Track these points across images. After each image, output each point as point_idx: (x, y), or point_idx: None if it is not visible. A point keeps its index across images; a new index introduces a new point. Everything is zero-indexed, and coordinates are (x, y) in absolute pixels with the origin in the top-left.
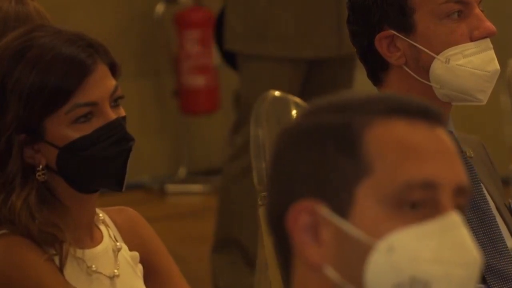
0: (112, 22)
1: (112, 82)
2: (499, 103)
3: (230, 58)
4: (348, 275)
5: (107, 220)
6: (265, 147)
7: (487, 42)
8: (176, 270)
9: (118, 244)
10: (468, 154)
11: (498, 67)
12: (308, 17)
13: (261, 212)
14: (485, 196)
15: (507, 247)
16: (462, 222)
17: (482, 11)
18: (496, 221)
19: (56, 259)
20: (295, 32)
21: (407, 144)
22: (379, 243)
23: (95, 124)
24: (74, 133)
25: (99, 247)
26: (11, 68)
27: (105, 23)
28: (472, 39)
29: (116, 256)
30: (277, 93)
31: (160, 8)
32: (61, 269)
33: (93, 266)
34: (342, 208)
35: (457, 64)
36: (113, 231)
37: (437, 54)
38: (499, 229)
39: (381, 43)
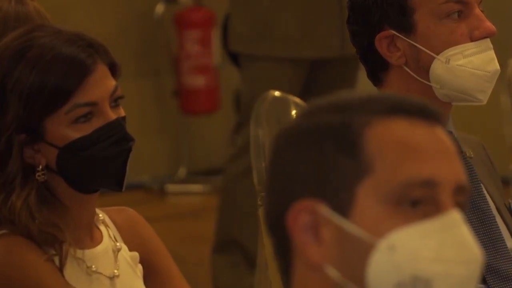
0: (112, 22)
1: (112, 82)
2: (499, 103)
3: (236, 60)
4: (349, 274)
5: (107, 220)
6: (265, 147)
7: (487, 42)
8: (176, 270)
9: (118, 244)
10: (468, 154)
11: (498, 67)
12: (310, 17)
13: (261, 212)
14: (485, 196)
15: (507, 247)
16: (462, 220)
17: (482, 11)
18: (496, 221)
19: (56, 259)
20: (296, 32)
21: (407, 144)
22: (381, 242)
23: (95, 124)
24: (74, 133)
25: (99, 247)
26: (11, 68)
27: (105, 23)
28: (472, 39)
29: (116, 256)
30: (277, 93)
31: (160, 8)
32: (61, 269)
33: (93, 266)
34: (343, 207)
35: (457, 64)
36: (113, 231)
37: (437, 54)
38: (499, 229)
39: (381, 43)
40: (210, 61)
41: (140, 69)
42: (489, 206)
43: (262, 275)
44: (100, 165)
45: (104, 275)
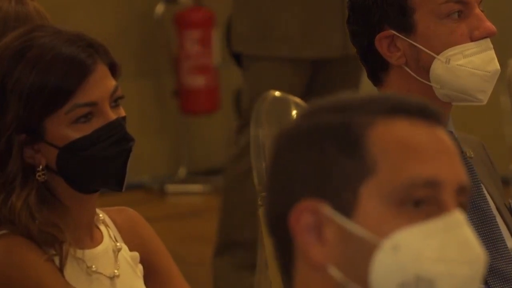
0: (112, 22)
1: (112, 82)
2: (499, 103)
3: (240, 60)
4: (352, 274)
5: (107, 220)
6: (265, 147)
7: (487, 42)
8: (176, 270)
9: (118, 244)
10: (468, 154)
11: (499, 67)
12: (311, 17)
13: (261, 212)
14: (485, 196)
15: (507, 247)
16: (465, 220)
17: (482, 11)
18: (496, 222)
19: (56, 260)
20: (297, 32)
21: (409, 144)
22: (384, 241)
23: (95, 124)
24: (74, 133)
25: (99, 248)
26: (11, 68)
27: (105, 23)
28: (472, 39)
29: (116, 257)
30: (277, 93)
31: (160, 8)
32: (61, 269)
33: (93, 266)
34: (346, 207)
35: (457, 64)
36: (113, 231)
37: (437, 54)
38: (499, 230)
39: (381, 43)
40: (210, 61)
41: (140, 69)
42: (490, 206)
43: (262, 275)
44: (100, 165)
45: (104, 275)
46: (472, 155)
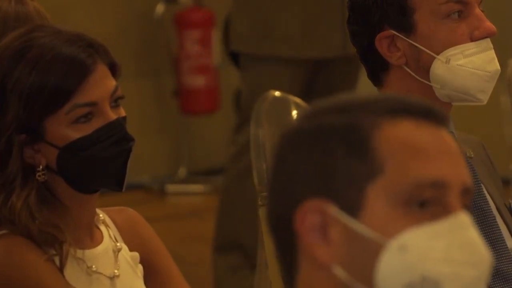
0: (112, 22)
1: (112, 82)
2: (499, 103)
3: (237, 60)
4: (357, 274)
5: (107, 220)
6: (265, 147)
7: (488, 42)
8: (176, 270)
9: (118, 244)
10: (468, 154)
11: (499, 67)
12: (311, 17)
13: (261, 212)
14: (485, 196)
15: (507, 247)
16: (471, 222)
17: (482, 11)
18: (496, 222)
19: (56, 260)
20: (297, 32)
21: (415, 145)
22: (391, 242)
23: (95, 124)
24: (74, 133)
25: (99, 248)
26: (11, 68)
27: (105, 23)
28: (472, 39)
29: (116, 257)
30: (277, 93)
31: (160, 8)
32: (61, 269)
33: (93, 266)
34: (352, 207)
35: (457, 64)
36: (113, 231)
37: (438, 54)
38: (500, 230)
39: (381, 43)
40: (210, 61)
41: (140, 69)
42: (490, 206)
43: (262, 275)
44: (100, 165)
45: (104, 275)
46: (472, 155)
